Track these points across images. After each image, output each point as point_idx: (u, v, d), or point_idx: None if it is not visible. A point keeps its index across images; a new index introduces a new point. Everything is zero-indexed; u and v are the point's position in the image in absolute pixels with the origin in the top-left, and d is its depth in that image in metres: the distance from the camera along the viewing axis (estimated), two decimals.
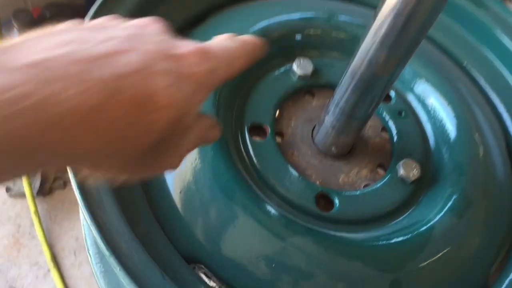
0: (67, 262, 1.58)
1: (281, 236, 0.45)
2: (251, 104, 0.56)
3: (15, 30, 1.42)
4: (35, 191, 1.66)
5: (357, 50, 0.44)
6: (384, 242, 0.47)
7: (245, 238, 0.46)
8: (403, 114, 0.59)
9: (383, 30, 0.40)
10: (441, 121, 0.57)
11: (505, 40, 0.59)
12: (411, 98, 0.60)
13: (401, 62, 0.43)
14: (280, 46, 0.59)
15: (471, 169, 0.52)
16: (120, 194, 0.46)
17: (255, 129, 0.54)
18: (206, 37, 0.34)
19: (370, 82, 0.45)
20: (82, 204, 0.40)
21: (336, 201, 0.51)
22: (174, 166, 0.34)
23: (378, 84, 0.45)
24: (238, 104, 0.55)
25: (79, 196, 0.41)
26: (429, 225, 0.49)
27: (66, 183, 1.73)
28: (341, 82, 0.48)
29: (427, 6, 0.36)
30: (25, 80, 0.22)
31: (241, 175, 0.48)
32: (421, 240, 0.48)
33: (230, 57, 0.32)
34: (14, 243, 1.61)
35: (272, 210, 0.46)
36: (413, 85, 0.60)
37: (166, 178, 0.49)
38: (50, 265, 1.59)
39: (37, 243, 1.60)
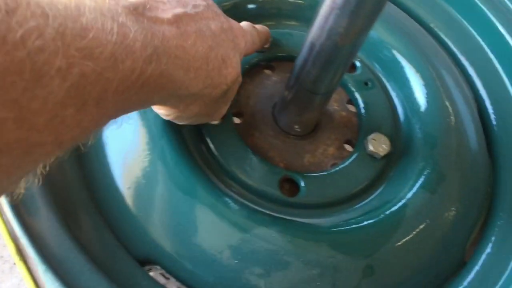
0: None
1: (244, 228, 0.41)
2: None
3: None
4: None
5: (315, 18, 0.39)
6: (354, 226, 0.44)
7: (204, 234, 0.41)
8: (369, 84, 0.54)
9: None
10: (409, 90, 0.53)
11: (480, 4, 0.54)
12: (377, 67, 0.56)
13: (364, 29, 0.38)
14: (232, 16, 0.54)
15: (442, 140, 0.49)
16: (59, 194, 0.41)
17: None
18: None
19: (331, 53, 0.40)
20: (8, 209, 0.35)
21: (302, 184, 0.47)
22: (223, 113, 0.44)
23: (340, 55, 0.40)
24: None
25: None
26: (401, 203, 0.45)
27: None
28: (300, 55, 0.43)
29: None
30: (175, 31, 0.31)
31: (196, 164, 0.44)
32: (393, 220, 0.44)
33: (255, 40, 0.45)
34: None
35: (232, 201, 0.42)
36: (379, 53, 0.55)
37: (113, 173, 0.44)
38: (16, 258, 1.53)
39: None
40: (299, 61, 0.44)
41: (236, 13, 0.55)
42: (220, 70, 0.36)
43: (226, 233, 0.41)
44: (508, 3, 0.53)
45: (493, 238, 0.48)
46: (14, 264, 1.37)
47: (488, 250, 0.47)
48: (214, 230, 0.41)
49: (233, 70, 0.38)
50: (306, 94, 0.45)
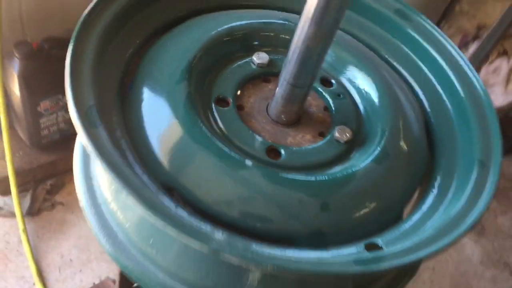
0: (52, 277, 1.65)
1: (236, 168, 0.57)
2: (218, 84, 0.69)
3: (16, 59, 1.56)
4: (24, 211, 1.74)
5: (296, 31, 0.58)
6: (320, 178, 0.60)
7: (208, 171, 0.57)
8: (341, 96, 0.72)
9: (311, 11, 0.54)
10: (370, 98, 0.70)
11: (416, 37, 0.73)
12: (347, 84, 0.74)
13: (327, 36, 0.57)
14: (243, 43, 0.73)
15: (391, 132, 0.66)
16: (109, 127, 0.57)
17: (220, 101, 0.67)
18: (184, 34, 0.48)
19: (305, 53, 0.58)
20: (81, 128, 0.51)
21: (283, 152, 0.63)
22: None
23: (311, 55, 0.58)
24: (207, 82, 0.68)
25: (79, 123, 0.52)
26: (354, 169, 0.61)
27: (54, 204, 1.83)
28: (286, 59, 0.62)
29: None
30: None
31: (206, 129, 0.61)
32: (348, 178, 0.60)
33: None
34: (1, 259, 1.68)
35: (229, 151, 0.59)
36: (348, 74, 0.74)
37: (146, 128, 0.61)
38: (36, 279, 1.66)
39: (24, 259, 1.68)
40: (285, 64, 0.62)
41: (245, 43, 0.74)
42: None
43: (222, 171, 0.57)
44: (442, 40, 0.71)
45: (427, 201, 0.63)
46: (34, 284, 1.49)
47: (424, 210, 0.62)
48: (214, 169, 0.58)
49: None
50: (289, 87, 0.63)
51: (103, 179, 0.66)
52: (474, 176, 0.62)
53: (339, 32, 0.74)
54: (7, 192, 1.80)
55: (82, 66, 0.59)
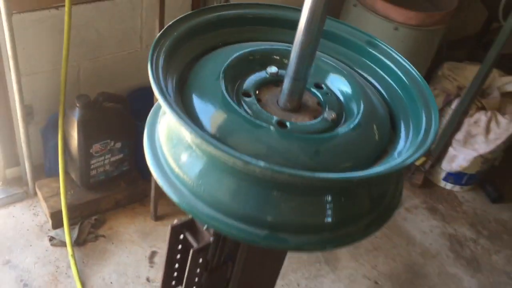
0: None
1: (259, 130, 0.86)
2: (243, 84, 0.99)
3: (77, 108, 1.90)
4: (73, 241, 2.00)
5: (294, 40, 0.89)
6: (313, 137, 0.88)
7: (241, 133, 0.86)
8: (328, 94, 1.02)
9: (302, 24, 0.86)
10: (347, 93, 1.00)
11: (380, 57, 1.05)
12: (332, 86, 1.04)
13: (314, 40, 0.88)
14: (259, 60, 1.05)
15: (364, 111, 0.94)
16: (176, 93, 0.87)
17: (245, 94, 0.97)
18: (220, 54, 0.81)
19: (301, 54, 0.89)
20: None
21: (288, 124, 0.92)
22: None
23: (305, 54, 0.89)
24: (236, 83, 0.99)
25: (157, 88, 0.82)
26: (338, 133, 0.90)
27: (97, 237, 2.09)
28: (289, 62, 0.92)
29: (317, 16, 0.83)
30: None
31: (237, 107, 0.90)
32: (332, 137, 0.89)
33: None
34: (52, 280, 1.92)
35: (253, 119, 0.88)
36: (332, 80, 1.04)
37: (195, 104, 0.90)
38: None
39: (72, 280, 1.92)
40: (288, 65, 0.92)
41: (261, 60, 1.05)
42: None
43: (246, 129, 0.86)
44: (398, 58, 1.03)
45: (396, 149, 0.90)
46: None
47: (396, 151, 0.89)
48: (247, 131, 0.86)
49: None
50: (291, 81, 0.93)
51: (164, 139, 0.95)
52: (421, 137, 0.90)
53: (323, 55, 1.05)
54: (59, 225, 2.07)
55: (157, 65, 0.90)
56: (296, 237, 0.90)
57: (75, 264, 1.97)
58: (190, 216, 1.16)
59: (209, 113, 0.91)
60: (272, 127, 0.88)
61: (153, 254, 2.11)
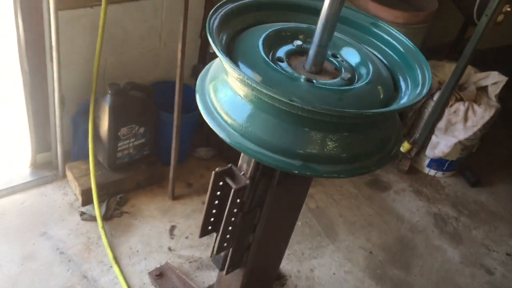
0: (123, 262, 2.09)
1: (294, 80, 1.10)
2: (277, 52, 1.23)
3: (108, 95, 2.11)
4: (101, 215, 2.20)
5: (321, 14, 1.13)
6: (336, 88, 1.12)
7: (279, 83, 1.10)
8: (343, 62, 1.26)
9: (327, 4, 1.11)
10: (358, 62, 1.24)
11: (382, 34, 1.31)
12: (346, 56, 1.28)
13: (336, 13, 1.12)
14: (288, 36, 1.29)
15: (372, 74, 1.19)
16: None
17: (279, 59, 1.21)
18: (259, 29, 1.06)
19: (325, 24, 1.13)
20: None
21: (314, 81, 1.16)
22: None
23: (328, 25, 1.13)
24: (271, 51, 1.22)
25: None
26: (353, 87, 1.14)
27: (122, 213, 2.29)
28: (315, 33, 1.17)
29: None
30: None
31: (274, 65, 1.14)
32: (350, 89, 1.13)
33: None
34: (85, 248, 2.12)
35: (289, 73, 1.11)
36: (346, 51, 1.29)
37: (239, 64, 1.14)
38: (112, 262, 2.08)
39: (102, 249, 2.12)
40: (314, 34, 1.17)
41: (290, 35, 1.30)
42: None
43: (282, 79, 1.10)
44: (397, 34, 1.28)
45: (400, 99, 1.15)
46: (111, 266, 1.94)
47: (401, 99, 1.14)
48: (283, 81, 1.10)
49: None
50: (316, 47, 1.17)
51: (214, 96, 1.18)
52: (419, 90, 1.15)
53: (337, 33, 1.30)
54: (88, 201, 2.27)
55: (211, 34, 1.14)
56: (322, 166, 1.14)
57: (105, 234, 2.16)
58: (229, 165, 1.39)
59: (254, 71, 1.14)
60: (303, 80, 1.13)
61: (172, 227, 2.31)
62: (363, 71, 1.24)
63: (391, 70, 1.29)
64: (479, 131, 2.76)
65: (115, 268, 2.06)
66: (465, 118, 2.69)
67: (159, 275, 2.06)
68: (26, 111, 2.25)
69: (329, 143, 1.13)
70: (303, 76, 1.17)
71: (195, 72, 2.64)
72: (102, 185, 2.28)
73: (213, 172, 1.35)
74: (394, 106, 1.13)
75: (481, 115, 2.67)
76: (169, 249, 2.21)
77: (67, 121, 2.31)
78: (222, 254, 1.57)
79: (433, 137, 2.82)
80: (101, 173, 2.31)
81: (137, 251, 2.17)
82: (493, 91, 2.81)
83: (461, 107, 2.70)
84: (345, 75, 1.21)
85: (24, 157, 2.37)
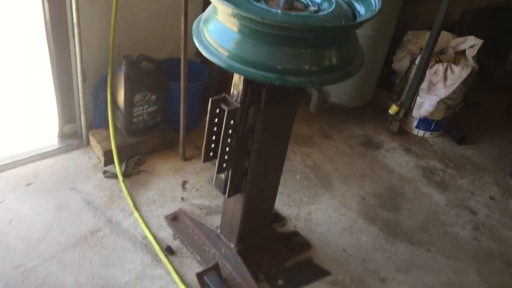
0: (142, 209, 2.38)
1: (268, 11, 1.37)
2: None
3: (123, 65, 2.41)
4: (122, 172, 2.47)
5: None
6: (304, 15, 1.39)
7: (257, 13, 1.37)
8: (310, 1, 1.53)
9: None
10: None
11: None
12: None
13: None
14: None
15: (334, 7, 1.46)
16: None
17: (256, 0, 1.48)
18: None
19: None
20: None
21: (287, 14, 1.43)
22: None
23: None
24: None
25: None
26: (318, 14, 1.41)
27: (140, 172, 2.57)
28: None
29: None
30: None
31: (254, 2, 1.41)
32: (315, 16, 1.39)
33: None
34: (109, 199, 2.41)
35: (266, 7, 1.39)
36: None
37: None
38: (133, 209, 2.36)
39: (123, 200, 2.41)
40: None
41: None
42: None
43: (264, 13, 1.37)
44: None
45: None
46: (132, 213, 2.19)
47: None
48: (260, 12, 1.37)
49: None
50: None
51: (207, 31, 1.46)
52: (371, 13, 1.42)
53: None
54: (110, 162, 2.55)
55: None
56: (295, 78, 1.40)
57: (126, 187, 2.44)
58: (223, 94, 1.66)
59: (237, 7, 1.42)
60: (276, 11, 1.40)
61: (184, 182, 2.58)
62: (326, 6, 1.51)
63: (350, 5, 1.57)
64: (460, 90, 2.99)
65: (136, 214, 2.34)
66: (445, 77, 2.93)
67: (174, 218, 2.33)
68: (54, 88, 2.56)
69: (300, 57, 1.40)
70: (278, 11, 1.44)
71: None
72: (121, 148, 2.56)
73: (210, 99, 1.62)
74: (345, 23, 1.39)
75: (459, 73, 2.91)
76: (182, 199, 2.48)
77: (89, 94, 2.61)
78: (223, 178, 1.83)
79: (418, 98, 3.06)
80: (120, 138, 2.60)
81: (154, 201, 2.44)
82: (470, 54, 3.05)
83: (440, 67, 2.94)
84: (312, 9, 1.48)
85: (53, 128, 2.67)
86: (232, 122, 1.63)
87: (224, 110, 1.60)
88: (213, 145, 1.73)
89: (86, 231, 2.22)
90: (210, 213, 2.43)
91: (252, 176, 1.84)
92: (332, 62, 1.44)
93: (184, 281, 2.04)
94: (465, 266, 2.36)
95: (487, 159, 3.17)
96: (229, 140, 1.68)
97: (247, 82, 1.56)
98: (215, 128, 1.69)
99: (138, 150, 2.65)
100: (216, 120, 1.67)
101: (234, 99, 1.63)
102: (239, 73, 1.43)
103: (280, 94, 1.66)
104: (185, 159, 2.73)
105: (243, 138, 1.72)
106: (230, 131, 1.66)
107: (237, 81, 1.61)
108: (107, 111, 2.54)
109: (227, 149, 1.70)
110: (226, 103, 1.63)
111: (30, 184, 2.41)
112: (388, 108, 3.15)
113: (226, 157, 1.72)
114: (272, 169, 1.95)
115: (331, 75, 1.45)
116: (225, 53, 1.42)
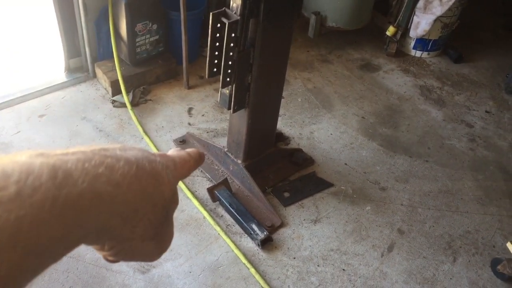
0: (152, 134, 2.43)
1: None
2: None
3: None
4: (129, 101, 2.51)
5: None
6: None
7: None
8: None
9: None
10: None
11: None
12: None
13: None
14: None
15: None
16: None
17: None
18: None
19: None
20: None
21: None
22: (169, 245, 0.45)
23: None
24: None
25: None
26: None
27: (147, 100, 2.60)
28: None
29: None
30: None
31: None
32: None
33: (185, 159, 0.45)
34: (119, 127, 2.45)
35: None
36: None
37: None
38: (143, 134, 2.42)
39: (133, 127, 2.46)
40: None
41: None
42: (155, 187, 0.38)
43: None
44: None
45: None
46: (142, 138, 2.22)
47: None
48: None
49: (166, 187, 0.40)
50: None
51: None
52: None
53: None
54: (117, 92, 2.59)
55: None
56: None
57: (135, 114, 2.49)
58: (223, 8, 1.66)
59: None
60: None
61: (190, 109, 2.62)
62: None
63: None
64: (456, 8, 2.96)
65: (146, 138, 2.39)
66: None
67: (182, 141, 2.38)
68: (57, 23, 2.54)
69: None
70: None
71: None
72: (127, 78, 2.58)
73: (211, 13, 1.62)
74: None
75: None
76: (189, 124, 2.53)
77: (92, 27, 2.60)
78: (228, 94, 1.87)
79: (414, 18, 3.03)
80: (125, 68, 2.62)
81: (162, 126, 2.49)
82: None
83: None
84: None
85: (60, 63, 2.69)
86: (233, 35, 1.64)
87: (225, 23, 1.60)
88: (216, 61, 1.75)
89: None
90: (216, 136, 2.48)
91: (255, 90, 1.88)
92: None
93: (196, 197, 2.13)
94: (461, 173, 2.44)
95: (483, 76, 3.17)
96: (231, 53, 1.69)
97: None
98: (217, 44, 1.71)
99: (143, 80, 2.67)
100: (218, 35, 1.68)
101: (234, 12, 1.64)
102: None
103: (278, 7, 1.66)
104: (190, 87, 2.76)
105: (244, 51, 1.74)
106: (232, 45, 1.67)
107: None
108: (110, 43, 2.54)
109: (230, 63, 1.72)
110: (227, 16, 1.63)
111: (43, 116, 2.46)
112: (386, 31, 3.13)
113: (229, 71, 1.74)
114: (274, 84, 1.98)
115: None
116: None
